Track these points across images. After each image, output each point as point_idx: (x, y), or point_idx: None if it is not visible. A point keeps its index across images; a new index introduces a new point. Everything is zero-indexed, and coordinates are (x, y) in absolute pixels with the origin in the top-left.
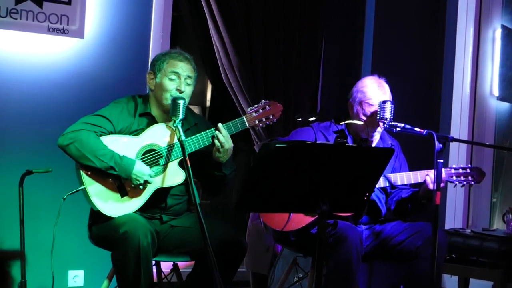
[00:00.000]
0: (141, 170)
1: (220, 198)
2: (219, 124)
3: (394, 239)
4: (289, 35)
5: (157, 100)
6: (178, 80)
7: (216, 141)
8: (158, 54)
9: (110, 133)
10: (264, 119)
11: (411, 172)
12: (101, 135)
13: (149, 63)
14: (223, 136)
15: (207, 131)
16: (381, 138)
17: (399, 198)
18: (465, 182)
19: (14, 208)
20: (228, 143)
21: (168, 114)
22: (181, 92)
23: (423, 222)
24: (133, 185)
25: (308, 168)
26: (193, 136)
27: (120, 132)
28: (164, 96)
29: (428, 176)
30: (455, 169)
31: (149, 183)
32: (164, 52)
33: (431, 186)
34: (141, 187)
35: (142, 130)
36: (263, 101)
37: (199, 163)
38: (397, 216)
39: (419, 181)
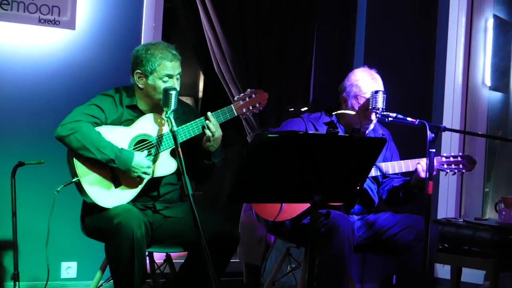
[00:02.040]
0: (140, 162)
1: (207, 185)
2: (209, 113)
3: (386, 233)
4: (282, 26)
5: (146, 97)
6: (171, 80)
7: (207, 131)
8: (142, 51)
9: (102, 123)
10: (251, 107)
11: (402, 161)
12: (95, 126)
13: (133, 58)
14: (214, 125)
15: (197, 120)
16: (373, 128)
17: (390, 187)
18: (456, 170)
19: (6, 199)
20: (218, 132)
21: (158, 108)
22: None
23: (416, 215)
24: (132, 177)
25: (300, 158)
26: (183, 126)
27: (111, 124)
28: (158, 97)
29: (419, 164)
30: (446, 157)
31: (148, 175)
32: (148, 48)
33: (422, 175)
34: (138, 179)
35: (133, 120)
36: (249, 89)
37: (188, 151)
38: (388, 206)
39: (410, 169)
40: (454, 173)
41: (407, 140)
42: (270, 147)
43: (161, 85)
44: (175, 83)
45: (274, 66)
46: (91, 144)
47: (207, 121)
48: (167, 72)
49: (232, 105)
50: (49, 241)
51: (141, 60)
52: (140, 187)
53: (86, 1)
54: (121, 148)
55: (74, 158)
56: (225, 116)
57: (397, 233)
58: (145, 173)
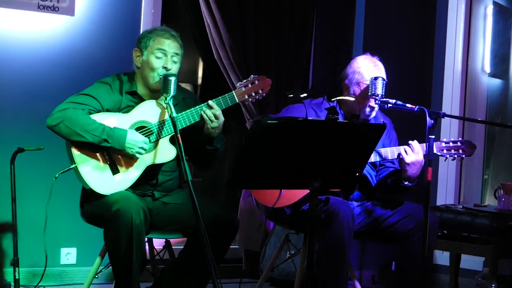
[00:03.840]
0: (134, 138)
1: (210, 171)
2: (210, 101)
3: (386, 221)
4: (281, 13)
5: (143, 79)
6: (165, 58)
7: (207, 120)
8: (144, 31)
9: (98, 111)
10: (253, 94)
11: (401, 146)
12: (89, 113)
13: (136, 39)
14: (216, 110)
15: (197, 107)
16: (374, 116)
17: (383, 175)
18: (455, 156)
19: (6, 185)
20: (221, 119)
21: (155, 92)
22: (167, 70)
23: (416, 204)
24: (129, 154)
25: (299, 144)
26: (183, 112)
27: (108, 111)
28: (151, 75)
29: (403, 147)
30: (446, 142)
31: (145, 150)
32: (150, 29)
33: (407, 159)
34: (138, 155)
35: (132, 107)
36: (252, 75)
37: (189, 138)
38: (381, 193)
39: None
40: (454, 158)
41: (407, 126)
42: (270, 133)
43: (154, 60)
44: (169, 62)
45: (273, 53)
46: (81, 128)
47: (210, 110)
48: (160, 46)
49: (233, 92)
50: (49, 227)
51: (141, 38)
52: (138, 174)
53: None
54: (113, 127)
55: (72, 145)
56: (226, 103)
57: (397, 222)
58: (142, 148)
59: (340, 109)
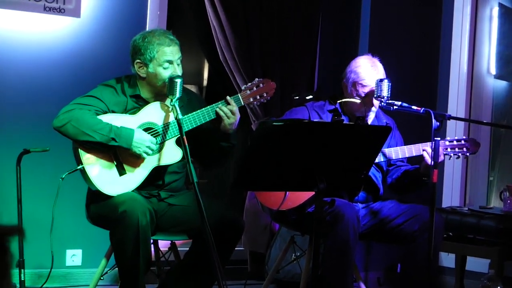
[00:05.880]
0: (141, 137)
1: (221, 169)
2: (228, 97)
3: (391, 222)
4: (286, 14)
5: (150, 85)
6: (172, 66)
7: (223, 113)
8: (139, 40)
9: (104, 112)
10: (258, 97)
11: (405, 146)
12: (96, 115)
13: (132, 48)
14: (233, 106)
15: (203, 109)
16: (376, 116)
17: (400, 173)
18: (460, 154)
19: (12, 187)
20: (237, 115)
21: (161, 96)
22: None
23: (421, 205)
24: (136, 154)
25: (305, 146)
26: (190, 114)
27: (114, 113)
28: (160, 84)
29: (425, 151)
30: (450, 141)
31: (152, 150)
32: (147, 37)
33: (429, 161)
34: (145, 155)
35: (138, 109)
36: (257, 79)
37: (197, 139)
38: (394, 192)
39: (414, 154)
40: (458, 157)
41: (412, 128)
42: (275, 135)
43: (162, 72)
44: (176, 69)
45: (278, 54)
46: (88, 128)
47: (227, 106)
48: (166, 58)
49: (239, 95)
50: (54, 229)
51: (139, 49)
52: (145, 175)
53: None
54: (120, 126)
55: (79, 146)
56: None
57: (402, 223)
58: (149, 147)
59: (342, 111)
